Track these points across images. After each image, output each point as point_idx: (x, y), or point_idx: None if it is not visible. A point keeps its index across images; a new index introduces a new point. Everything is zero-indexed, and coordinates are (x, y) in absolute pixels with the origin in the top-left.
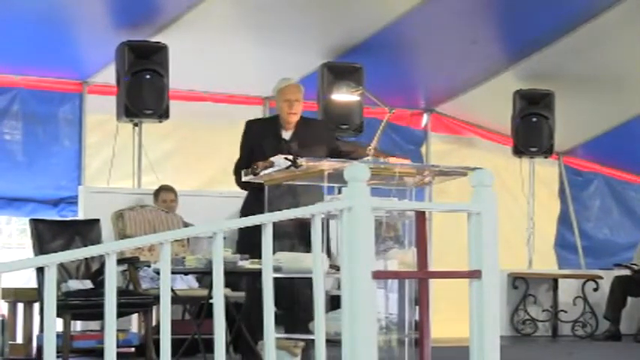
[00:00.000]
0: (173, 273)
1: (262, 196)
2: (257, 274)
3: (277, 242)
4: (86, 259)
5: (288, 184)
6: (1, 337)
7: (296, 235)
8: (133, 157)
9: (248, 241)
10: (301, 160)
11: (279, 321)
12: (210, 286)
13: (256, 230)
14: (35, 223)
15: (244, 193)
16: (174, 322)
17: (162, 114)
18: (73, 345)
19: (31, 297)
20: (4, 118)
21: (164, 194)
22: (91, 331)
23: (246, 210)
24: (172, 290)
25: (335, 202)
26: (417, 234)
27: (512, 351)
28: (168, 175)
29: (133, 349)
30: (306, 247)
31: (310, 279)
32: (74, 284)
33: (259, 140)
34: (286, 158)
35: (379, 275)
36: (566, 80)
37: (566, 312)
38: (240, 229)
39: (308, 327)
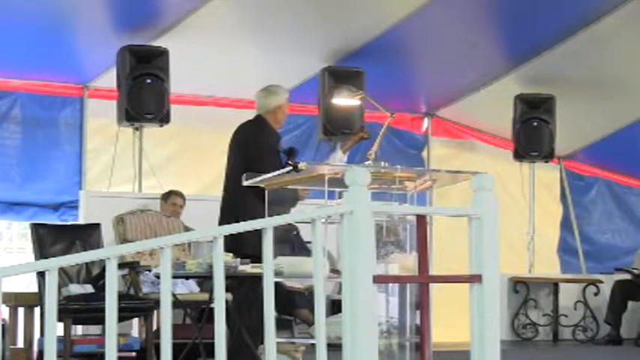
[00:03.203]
0: (174, 277)
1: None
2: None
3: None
4: (87, 263)
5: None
6: (2, 341)
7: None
8: (134, 162)
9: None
10: (302, 164)
11: None
12: (211, 291)
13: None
14: (36, 228)
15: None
16: (174, 327)
17: (163, 118)
18: (74, 349)
19: (31, 301)
20: (4, 123)
21: (175, 198)
22: (92, 335)
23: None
24: (173, 294)
25: (336, 207)
26: (418, 238)
27: (513, 355)
28: (169, 180)
29: (133, 354)
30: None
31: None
32: (75, 288)
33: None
34: (288, 163)
35: (380, 279)
36: (567, 84)
37: (566, 316)
38: None
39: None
